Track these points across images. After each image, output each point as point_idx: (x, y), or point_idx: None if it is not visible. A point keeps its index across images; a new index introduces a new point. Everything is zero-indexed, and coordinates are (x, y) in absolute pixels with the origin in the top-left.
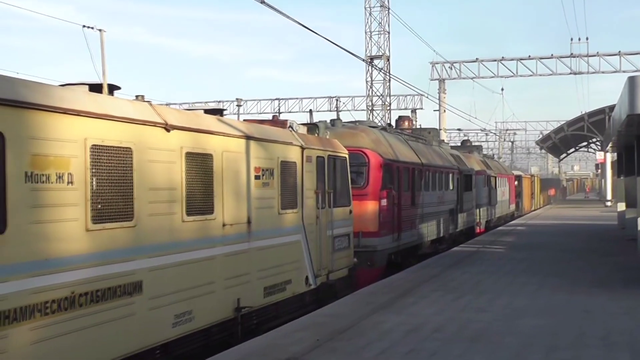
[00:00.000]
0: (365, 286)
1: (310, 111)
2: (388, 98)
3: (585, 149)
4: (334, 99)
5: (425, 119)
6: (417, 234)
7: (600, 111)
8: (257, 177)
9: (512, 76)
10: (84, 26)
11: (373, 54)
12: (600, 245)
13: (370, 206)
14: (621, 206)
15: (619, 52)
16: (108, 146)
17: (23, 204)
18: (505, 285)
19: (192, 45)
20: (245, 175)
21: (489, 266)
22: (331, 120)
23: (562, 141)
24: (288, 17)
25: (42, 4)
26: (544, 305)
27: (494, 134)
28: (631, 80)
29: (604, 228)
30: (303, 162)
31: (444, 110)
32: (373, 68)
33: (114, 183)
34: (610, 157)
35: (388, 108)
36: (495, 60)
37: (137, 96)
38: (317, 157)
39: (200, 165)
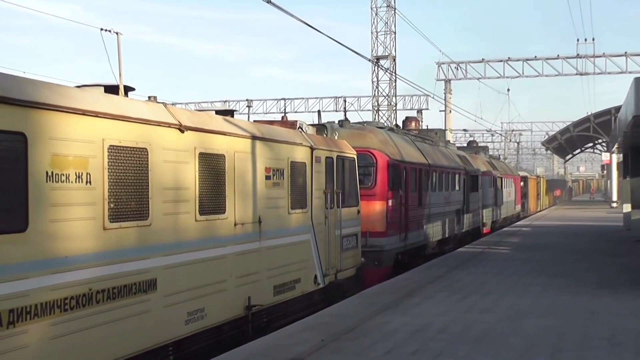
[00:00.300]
0: (372, 286)
1: (319, 112)
2: (394, 98)
3: (591, 150)
4: (340, 99)
5: (430, 119)
6: (424, 234)
7: (606, 112)
8: (267, 178)
9: (518, 77)
10: (101, 29)
11: (379, 54)
12: (606, 246)
13: (378, 206)
14: (627, 207)
15: (625, 52)
16: (125, 147)
17: (44, 203)
18: (511, 286)
19: (197, 44)
20: (256, 175)
21: (494, 267)
22: (339, 121)
23: (567, 142)
24: (294, 16)
25: (48, 3)
26: (549, 306)
27: (500, 134)
28: (637, 81)
29: (609, 229)
30: (312, 163)
31: (450, 111)
32: (379, 68)
33: (130, 183)
34: (616, 158)
35: (394, 108)
36: (501, 61)
37: (149, 97)
38: (326, 157)
39: (212, 166)
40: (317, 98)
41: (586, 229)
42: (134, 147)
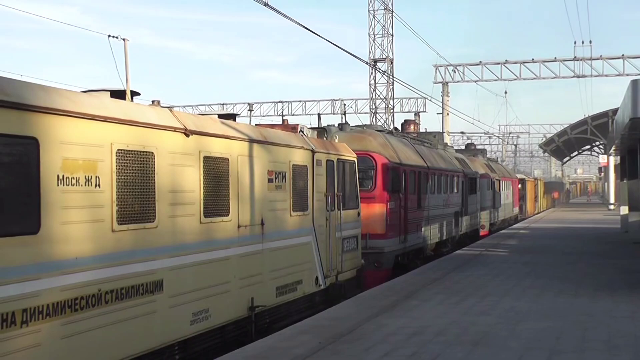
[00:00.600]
0: (372, 287)
1: (319, 115)
2: (391, 101)
3: (589, 152)
4: (337, 101)
5: (428, 122)
6: (423, 236)
7: (604, 114)
8: (270, 180)
9: (515, 79)
10: (109, 35)
11: (377, 56)
12: (604, 249)
13: (378, 208)
14: (624, 209)
15: (623, 55)
16: (132, 151)
17: (55, 206)
18: (508, 288)
19: (195, 47)
20: (259, 178)
21: (492, 269)
22: (339, 124)
23: (565, 144)
24: (291, 19)
25: (46, 6)
26: (547, 308)
27: (497, 137)
28: (634, 84)
29: (607, 231)
30: (313, 166)
31: (447, 113)
32: (376, 71)
33: (137, 186)
34: (613, 161)
35: (391, 111)
36: (498, 64)
37: (153, 101)
38: (327, 160)
39: (217, 169)
40: (314, 101)
41: (584, 231)
42: (141, 151)
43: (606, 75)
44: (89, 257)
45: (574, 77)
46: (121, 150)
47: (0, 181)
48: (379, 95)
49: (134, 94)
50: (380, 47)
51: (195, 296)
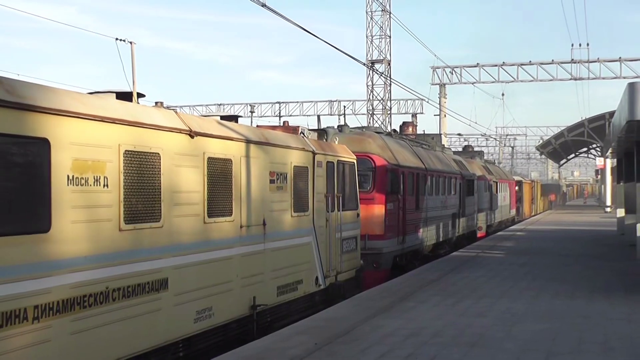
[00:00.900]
0: (371, 287)
1: (318, 117)
2: (389, 102)
3: (586, 155)
4: (334, 102)
5: (425, 124)
6: (421, 237)
7: (601, 117)
8: (271, 182)
9: (512, 81)
10: (116, 39)
11: (374, 58)
12: (600, 251)
13: (377, 210)
14: (621, 212)
15: (620, 58)
16: (139, 152)
17: (65, 205)
18: (505, 290)
19: (193, 48)
20: (261, 179)
21: (488, 271)
22: (339, 126)
23: (562, 147)
24: (289, 20)
25: (44, 5)
26: (544, 310)
27: (495, 139)
28: (631, 87)
29: (603, 234)
30: (314, 167)
31: (445, 115)
32: (374, 72)
33: (143, 186)
34: (610, 163)
35: (388, 112)
36: (496, 65)
37: (156, 102)
38: (327, 162)
39: (220, 170)
40: (312, 102)
41: (580, 233)
42: (147, 152)
43: (603, 78)
44: (97, 256)
45: (571, 79)
46: (128, 151)
47: (13, 181)
48: (376, 97)
49: (139, 95)
50: (377, 48)
51: (198, 295)
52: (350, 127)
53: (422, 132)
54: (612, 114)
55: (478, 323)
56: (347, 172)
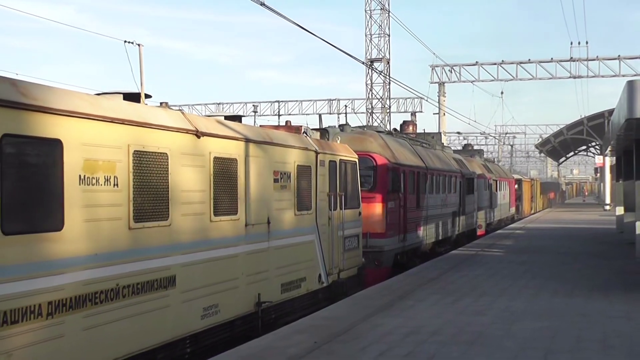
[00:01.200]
0: (373, 285)
1: (320, 116)
2: (388, 101)
3: (585, 153)
4: (334, 101)
5: (424, 122)
6: (422, 235)
7: (600, 115)
8: (275, 181)
9: (511, 80)
10: (125, 41)
11: (373, 56)
12: (599, 249)
13: (378, 208)
14: (620, 210)
15: (619, 56)
16: (147, 152)
17: (77, 204)
18: (504, 288)
19: (192, 47)
20: (265, 178)
21: (487, 269)
22: (340, 125)
23: (561, 145)
24: (288, 19)
25: (42, 5)
26: (543, 308)
27: (494, 137)
28: (630, 85)
29: (602, 232)
30: (317, 166)
31: (444, 114)
32: (373, 71)
33: (152, 185)
34: (609, 161)
35: (388, 111)
36: (495, 64)
37: (161, 103)
38: (330, 161)
39: (226, 169)
40: (311, 100)
41: (579, 231)
42: (155, 152)
43: (602, 76)
44: (107, 253)
45: (570, 77)
46: (137, 151)
47: (28, 181)
48: (375, 95)
49: (146, 97)
50: (376, 47)
51: (205, 292)
52: (352, 126)
53: (423, 131)
54: (611, 112)
55: (477, 321)
56: (349, 171)
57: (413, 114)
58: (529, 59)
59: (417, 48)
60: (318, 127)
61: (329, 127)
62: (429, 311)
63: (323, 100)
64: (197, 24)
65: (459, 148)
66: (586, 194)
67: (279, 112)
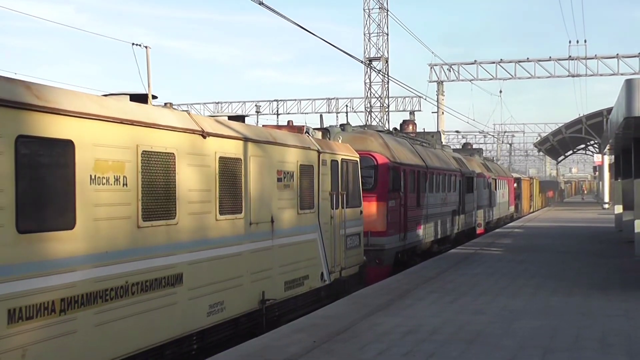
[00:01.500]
0: (374, 283)
1: (321, 115)
2: (386, 100)
3: (583, 152)
4: (332, 100)
5: (423, 121)
6: (422, 233)
7: (598, 114)
8: (279, 180)
9: (510, 78)
10: (133, 44)
11: (372, 55)
12: (598, 248)
13: (379, 207)
14: (618, 209)
15: (617, 54)
16: (155, 152)
17: (88, 203)
18: (503, 287)
19: (190, 46)
20: (269, 177)
21: (486, 268)
22: (341, 124)
23: (560, 143)
24: (286, 18)
25: (41, 4)
26: (542, 307)
27: (493, 136)
28: (628, 83)
29: (601, 230)
30: (319, 166)
31: (442, 113)
32: (371, 70)
33: (160, 185)
34: (607, 160)
35: (386, 110)
36: (493, 63)
37: (165, 103)
38: (332, 160)
39: (231, 169)
40: (309, 100)
41: (578, 230)
42: (163, 152)
43: (601, 75)
44: (117, 252)
45: (568, 76)
46: (146, 151)
47: (42, 181)
48: (374, 94)
49: (152, 97)
50: (375, 46)
51: (211, 289)
52: (352, 125)
53: (422, 130)
54: (609, 110)
55: (476, 320)
56: (351, 170)
57: (412, 112)
58: (528, 58)
59: (416, 47)
60: (319, 126)
61: (330, 126)
62: (428, 310)
63: (322, 99)
64: (196, 23)
65: (458, 147)
66: (585, 192)
67: (277, 111)
